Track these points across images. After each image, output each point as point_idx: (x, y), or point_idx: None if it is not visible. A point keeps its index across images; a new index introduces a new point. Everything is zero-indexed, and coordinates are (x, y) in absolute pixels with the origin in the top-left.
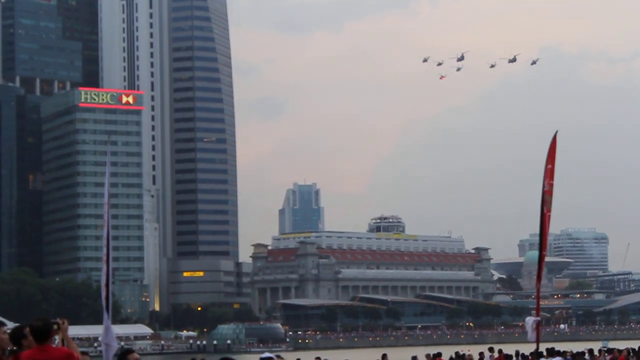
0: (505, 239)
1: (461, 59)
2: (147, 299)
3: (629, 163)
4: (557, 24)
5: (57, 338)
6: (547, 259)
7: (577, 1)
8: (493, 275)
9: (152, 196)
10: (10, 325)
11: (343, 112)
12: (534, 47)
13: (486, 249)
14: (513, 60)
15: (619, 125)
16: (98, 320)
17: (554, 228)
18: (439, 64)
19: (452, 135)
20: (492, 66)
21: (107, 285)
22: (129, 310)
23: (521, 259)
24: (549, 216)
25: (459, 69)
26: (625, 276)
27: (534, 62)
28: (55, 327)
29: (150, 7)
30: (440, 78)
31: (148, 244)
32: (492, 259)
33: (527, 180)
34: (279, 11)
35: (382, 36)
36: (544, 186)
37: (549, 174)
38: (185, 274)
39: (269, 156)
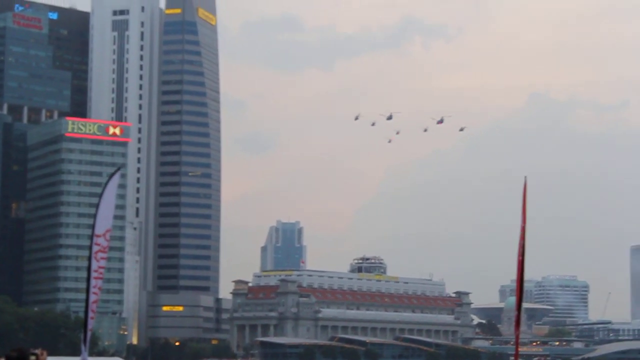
0: (486, 284)
1: (390, 118)
2: (125, 332)
3: (612, 212)
4: (547, 70)
5: None
6: (527, 305)
7: (567, 48)
8: (473, 319)
9: (135, 229)
10: None
11: (330, 151)
12: (524, 92)
13: (467, 294)
14: (440, 121)
15: (604, 173)
16: (76, 352)
17: (535, 275)
18: (373, 124)
19: (436, 180)
20: (425, 130)
21: (86, 318)
22: (106, 343)
23: (501, 305)
24: (522, 261)
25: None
26: (605, 325)
27: (461, 129)
28: (33, 357)
29: (142, 39)
30: (389, 141)
31: (128, 277)
32: (472, 303)
33: (509, 227)
34: (270, 47)
35: (373, 76)
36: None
37: (522, 219)
38: (164, 308)
39: (254, 192)
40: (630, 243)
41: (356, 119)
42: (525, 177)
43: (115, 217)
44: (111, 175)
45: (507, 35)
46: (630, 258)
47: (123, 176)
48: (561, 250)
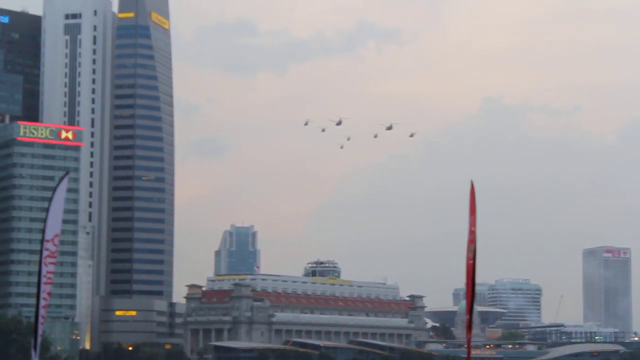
0: (440, 287)
1: (339, 123)
2: (78, 337)
3: (565, 215)
4: (501, 75)
5: None
6: (480, 308)
7: (520, 54)
8: (427, 323)
9: (88, 233)
10: None
11: (284, 155)
12: (477, 97)
13: (421, 297)
14: (389, 128)
15: (557, 177)
16: (27, 357)
17: (488, 278)
18: (323, 130)
19: (391, 185)
20: (375, 136)
21: (36, 323)
22: (58, 348)
23: (455, 308)
24: (472, 264)
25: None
26: (558, 328)
27: (411, 135)
28: None
29: (94, 43)
30: (341, 147)
31: (81, 281)
32: (426, 307)
33: (462, 231)
34: (224, 52)
35: (327, 80)
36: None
37: (471, 223)
38: (117, 312)
39: (208, 196)
40: (583, 247)
41: (306, 124)
42: (472, 181)
43: (68, 221)
44: (59, 181)
45: (461, 41)
46: (582, 261)
47: (75, 180)
48: (514, 254)
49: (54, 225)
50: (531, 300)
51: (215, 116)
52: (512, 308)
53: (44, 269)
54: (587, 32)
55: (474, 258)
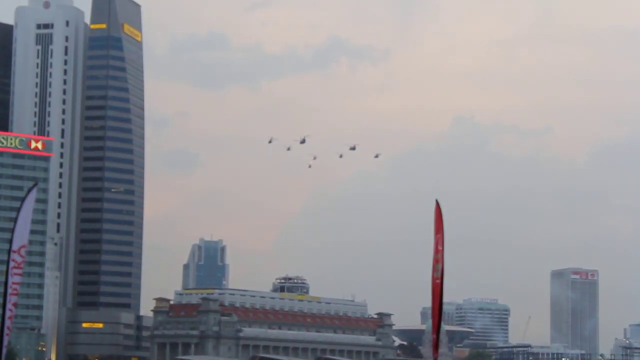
0: (408, 305)
1: (303, 142)
2: (44, 349)
3: (533, 236)
4: (472, 94)
5: None
6: (448, 327)
7: (492, 73)
8: (394, 341)
9: (56, 244)
10: None
11: (254, 170)
12: (448, 116)
13: (389, 315)
14: (353, 148)
15: (527, 197)
16: None
17: (456, 297)
18: (289, 149)
19: (362, 199)
20: (341, 156)
21: (1, 334)
22: (24, 359)
23: (423, 326)
24: (439, 284)
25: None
26: (525, 349)
27: (376, 156)
28: None
29: (66, 53)
30: (309, 166)
31: (48, 293)
32: (394, 324)
33: (431, 249)
34: (196, 65)
35: (299, 95)
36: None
37: (437, 242)
38: (84, 324)
39: (177, 210)
40: (551, 268)
41: (270, 142)
42: (437, 200)
43: (36, 232)
44: (28, 192)
45: (432, 59)
46: (550, 283)
47: (44, 191)
48: (483, 273)
49: (21, 236)
50: (499, 320)
51: (185, 130)
52: (480, 328)
53: (10, 280)
54: (559, 54)
55: (441, 277)
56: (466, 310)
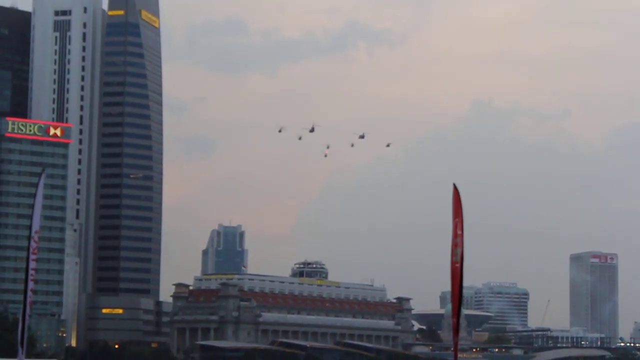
0: (427, 290)
1: (312, 130)
2: (64, 334)
3: (552, 220)
4: (490, 78)
5: None
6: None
7: (510, 58)
8: (413, 325)
9: (75, 230)
10: None
11: (273, 154)
12: (467, 100)
13: (408, 299)
14: (362, 137)
15: (545, 181)
16: (13, 354)
17: (475, 281)
18: (300, 139)
19: (380, 184)
20: (352, 145)
21: (23, 319)
22: (44, 345)
23: (442, 311)
24: (459, 268)
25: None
26: (544, 332)
27: (388, 145)
28: None
29: (84, 40)
30: (325, 155)
31: (68, 279)
32: (413, 309)
33: (449, 233)
34: (214, 50)
35: (317, 80)
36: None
37: (456, 227)
38: (104, 310)
39: (196, 195)
40: (570, 251)
41: (280, 131)
42: (454, 184)
43: (55, 218)
44: (39, 178)
45: (451, 43)
46: (569, 266)
47: (63, 177)
48: (502, 258)
49: (36, 222)
50: (518, 304)
51: (204, 115)
52: (499, 312)
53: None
54: (577, 38)
55: (460, 261)
56: (485, 295)
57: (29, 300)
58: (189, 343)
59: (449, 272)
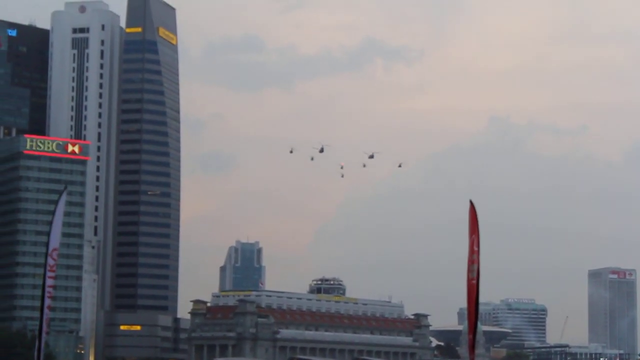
0: (445, 306)
1: (322, 151)
2: (82, 351)
3: (570, 236)
4: (507, 94)
5: None
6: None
7: (527, 73)
8: (431, 342)
9: (93, 247)
10: None
11: (290, 170)
12: (484, 116)
13: (425, 316)
14: (371, 157)
15: (563, 197)
16: None
17: (493, 298)
18: (312, 159)
19: (397, 201)
20: (364, 165)
21: (39, 336)
22: None
23: (460, 327)
24: (475, 285)
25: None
26: (562, 349)
27: (400, 165)
28: None
29: (102, 57)
30: (342, 175)
31: (86, 295)
32: (431, 325)
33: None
34: (231, 67)
35: (334, 97)
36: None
37: (473, 243)
38: (122, 327)
39: (213, 212)
40: (588, 267)
41: (291, 152)
42: (471, 200)
43: (74, 235)
44: (59, 196)
45: (468, 59)
46: (587, 282)
47: (81, 194)
48: (520, 274)
49: (54, 239)
50: (536, 320)
51: (221, 132)
52: (517, 328)
53: (46, 283)
54: (595, 53)
55: (477, 278)
56: (503, 311)
57: (45, 317)
58: None
59: (466, 289)
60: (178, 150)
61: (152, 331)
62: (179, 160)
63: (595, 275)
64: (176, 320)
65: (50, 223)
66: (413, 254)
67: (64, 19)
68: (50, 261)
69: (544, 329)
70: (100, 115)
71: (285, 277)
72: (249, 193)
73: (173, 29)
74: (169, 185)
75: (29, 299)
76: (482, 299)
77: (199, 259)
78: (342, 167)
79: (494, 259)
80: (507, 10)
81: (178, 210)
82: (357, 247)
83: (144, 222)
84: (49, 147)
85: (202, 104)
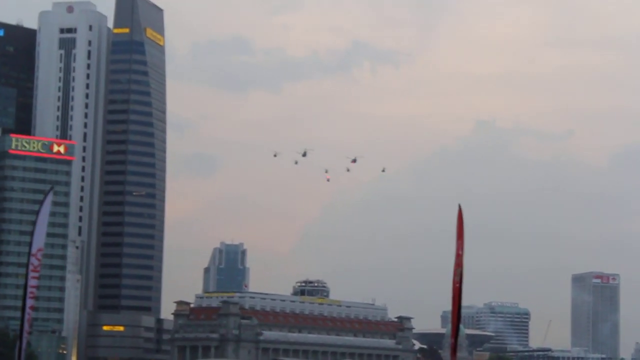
0: (428, 309)
1: (304, 155)
2: (64, 352)
3: (554, 240)
4: (493, 98)
5: None
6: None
7: (513, 78)
8: (414, 344)
9: (77, 247)
10: None
11: (275, 172)
12: (471, 120)
13: (409, 319)
14: (354, 161)
15: (548, 202)
16: None
17: (476, 301)
18: (296, 163)
19: (382, 204)
20: (348, 170)
21: (20, 336)
22: None
23: (443, 330)
24: (458, 288)
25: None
26: (545, 352)
27: (383, 170)
28: None
29: (89, 58)
30: (327, 180)
31: (69, 296)
32: (414, 328)
33: (452, 253)
34: (218, 69)
35: (321, 100)
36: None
37: (458, 247)
38: (105, 327)
39: (198, 213)
40: (572, 271)
41: (275, 156)
42: (459, 205)
43: (58, 235)
44: (45, 196)
45: (455, 63)
46: (571, 287)
47: (66, 194)
48: (504, 277)
49: (39, 239)
50: (519, 324)
51: (207, 133)
52: (500, 332)
53: (28, 283)
54: (581, 58)
55: (460, 282)
56: (486, 314)
57: (27, 317)
58: None
59: (450, 292)
60: (164, 151)
61: (135, 332)
62: (164, 161)
63: (578, 280)
64: (159, 321)
65: (34, 223)
66: (397, 257)
67: (51, 19)
68: (35, 261)
69: (527, 333)
70: (86, 115)
71: (270, 279)
72: (234, 194)
73: (160, 30)
74: (154, 186)
75: (12, 298)
76: (465, 302)
77: (183, 260)
78: (327, 172)
79: (478, 263)
80: (494, 15)
81: (163, 211)
82: (342, 250)
83: (129, 223)
84: (34, 147)
85: (188, 105)
